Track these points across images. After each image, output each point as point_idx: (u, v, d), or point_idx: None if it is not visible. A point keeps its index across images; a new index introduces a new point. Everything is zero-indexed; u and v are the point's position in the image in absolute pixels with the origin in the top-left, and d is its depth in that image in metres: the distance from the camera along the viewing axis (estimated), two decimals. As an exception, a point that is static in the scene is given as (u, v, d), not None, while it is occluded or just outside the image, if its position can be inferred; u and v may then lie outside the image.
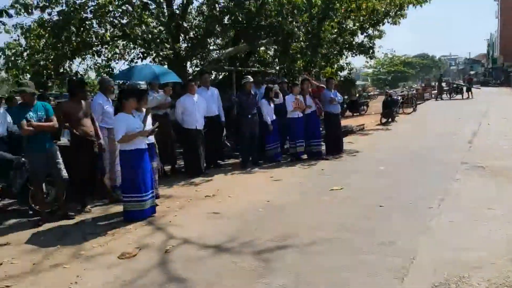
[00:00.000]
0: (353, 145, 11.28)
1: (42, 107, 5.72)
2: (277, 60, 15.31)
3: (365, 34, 14.88)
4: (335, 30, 12.93)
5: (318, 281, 3.71)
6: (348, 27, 13.97)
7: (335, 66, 15.64)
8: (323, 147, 9.97)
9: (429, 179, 7.23)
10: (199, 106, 8.37)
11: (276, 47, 13.65)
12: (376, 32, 15.26)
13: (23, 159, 6.31)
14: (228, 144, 10.39)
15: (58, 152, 5.88)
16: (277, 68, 15.54)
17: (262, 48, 15.21)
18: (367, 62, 21.59)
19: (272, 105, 9.36)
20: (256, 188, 7.26)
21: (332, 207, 5.96)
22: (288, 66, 14.32)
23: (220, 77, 15.96)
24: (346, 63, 17.25)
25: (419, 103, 23.87)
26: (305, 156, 9.71)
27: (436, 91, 31.20)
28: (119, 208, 6.35)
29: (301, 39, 11.06)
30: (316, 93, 10.01)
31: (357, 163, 9.07)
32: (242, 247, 4.62)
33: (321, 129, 10.28)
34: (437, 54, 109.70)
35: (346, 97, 21.09)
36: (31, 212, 6.26)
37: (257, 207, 6.09)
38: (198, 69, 14.13)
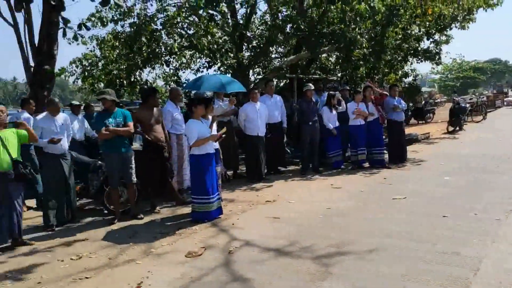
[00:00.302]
0: (417, 154, 11.01)
1: (121, 114, 6.21)
2: (339, 67, 15.28)
3: (431, 39, 14.48)
4: (399, 36, 12.70)
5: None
6: (413, 32, 13.66)
7: (399, 72, 15.33)
8: (386, 156, 9.84)
9: (496, 191, 6.95)
10: (261, 114, 8.61)
11: (338, 54, 13.66)
12: (443, 37, 14.82)
13: (99, 162, 6.85)
14: (289, 151, 10.53)
15: (132, 157, 6.33)
16: (339, 75, 15.50)
17: (324, 55, 15.25)
18: (434, 68, 20.97)
19: (334, 112, 9.40)
20: (316, 195, 7.34)
21: (393, 215, 5.91)
22: (350, 73, 14.27)
23: (281, 84, 16.19)
24: (411, 69, 16.89)
25: (490, 111, 22.71)
26: (366, 165, 9.63)
27: (509, 98, 29.45)
28: (185, 210, 6.72)
29: (364, 45, 11.00)
30: (379, 100, 9.91)
31: (421, 172, 8.86)
32: (302, 251, 4.74)
33: (384, 137, 10.15)
34: (510, 59, 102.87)
35: (410, 104, 20.54)
36: (105, 212, 6.77)
37: (317, 213, 6.18)
38: (260, 77, 14.45)
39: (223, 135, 6.33)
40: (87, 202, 7.51)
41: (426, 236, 4.98)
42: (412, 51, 14.39)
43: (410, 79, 17.29)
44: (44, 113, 6.26)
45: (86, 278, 4.38)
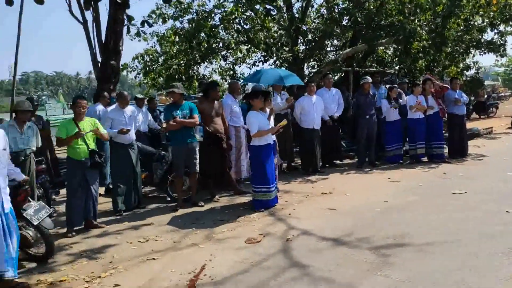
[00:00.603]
0: (479, 149, 10.61)
1: (188, 106, 6.55)
2: (396, 59, 14.94)
3: (495, 30, 13.80)
4: (461, 28, 12.21)
5: (436, 280, 3.75)
6: (476, 23, 13.08)
7: (461, 65, 14.75)
8: (446, 150, 9.58)
9: None
10: (317, 107, 8.65)
11: (396, 46, 13.36)
12: (508, 28, 14.08)
13: (162, 152, 7.22)
14: (344, 144, 10.50)
15: (197, 148, 6.64)
16: (397, 68, 15.16)
17: (381, 48, 14.97)
18: (497, 60, 19.99)
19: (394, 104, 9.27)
20: (373, 188, 7.31)
21: (453, 210, 5.80)
22: (409, 66, 13.92)
23: (336, 77, 16.08)
24: (473, 62, 16.19)
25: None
26: (425, 159, 9.43)
27: None
28: (243, 199, 6.95)
29: (423, 37, 10.70)
30: (439, 93, 9.64)
31: (482, 167, 8.56)
32: (359, 242, 4.80)
33: (444, 131, 9.87)
34: None
35: (472, 98, 19.70)
36: (168, 199, 7.14)
37: (374, 206, 6.19)
38: (315, 70, 14.43)
39: (282, 128, 6.48)
40: (151, 190, 7.93)
41: (486, 231, 4.87)
42: (474, 43, 13.80)
43: (472, 72, 16.58)
44: (114, 105, 6.71)
45: (154, 259, 4.70)
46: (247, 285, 3.90)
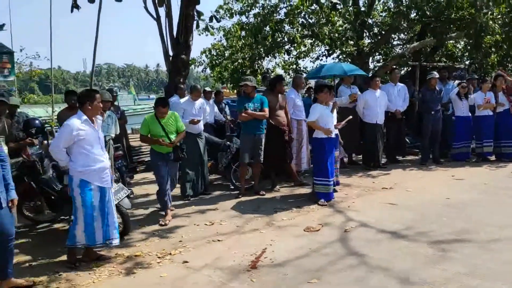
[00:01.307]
0: (555, 149, 10.03)
1: (259, 99, 6.85)
2: (467, 54, 14.34)
3: None
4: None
5: (495, 275, 3.77)
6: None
7: (539, 60, 13.86)
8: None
9: None
10: (381, 102, 8.63)
11: (467, 40, 12.85)
12: None
13: (228, 142, 7.60)
14: (408, 140, 10.35)
15: (263, 139, 6.93)
16: (467, 62, 14.55)
17: (451, 41, 14.43)
18: None
19: (464, 101, 9.04)
20: (435, 185, 7.24)
21: (519, 209, 5.67)
22: (480, 61, 13.32)
23: (402, 72, 15.71)
24: (554, 56, 15.11)
25: None
26: (493, 158, 9.11)
27: None
28: (302, 190, 7.17)
29: (496, 31, 10.25)
30: (511, 90, 9.23)
31: (556, 168, 8.16)
32: (418, 235, 4.86)
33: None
34: None
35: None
36: (232, 187, 7.51)
37: (436, 202, 6.16)
38: (380, 64, 14.23)
39: (345, 124, 6.59)
40: (216, 178, 8.36)
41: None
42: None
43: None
44: (187, 97, 7.18)
45: (219, 240, 5.06)
46: (306, 269, 4.13)
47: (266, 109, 6.83)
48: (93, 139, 4.44)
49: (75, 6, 8.19)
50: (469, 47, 12.97)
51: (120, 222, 5.18)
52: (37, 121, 6.29)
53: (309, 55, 14.97)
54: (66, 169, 4.60)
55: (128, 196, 5.39)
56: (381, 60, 14.87)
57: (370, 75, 11.00)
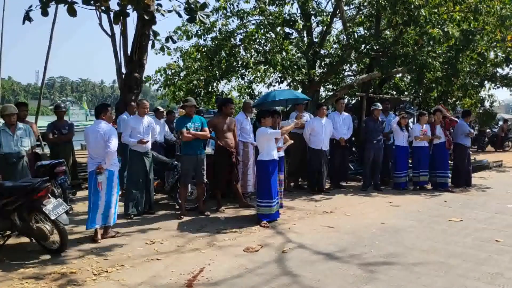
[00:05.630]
0: (485, 180, 10.79)
1: (199, 119, 7.01)
2: (411, 88, 15.21)
3: (510, 66, 13.95)
4: (473, 62, 12.41)
5: (416, 296, 4.03)
6: (490, 58, 13.26)
7: (475, 97, 14.92)
8: (449, 179, 9.79)
9: None
10: (326, 129, 9.01)
11: (411, 75, 13.65)
12: (524, 64, 14.18)
13: (175, 162, 7.65)
14: (352, 167, 10.78)
15: (204, 159, 7.05)
16: (412, 96, 15.40)
17: (398, 75, 15.25)
18: (512, 94, 19.98)
19: (405, 132, 9.56)
20: (373, 211, 7.58)
21: (445, 235, 6.05)
22: (423, 95, 14.16)
23: (353, 102, 16.38)
24: (488, 95, 16.33)
25: None
26: (429, 187, 9.66)
27: None
28: (247, 212, 7.32)
29: (436, 68, 10.99)
30: (448, 125, 9.88)
31: (483, 198, 8.75)
32: (350, 257, 5.10)
33: (450, 161, 10.10)
34: None
35: (488, 131, 19.75)
36: (177, 206, 7.51)
37: (371, 227, 6.47)
38: (331, 93, 14.80)
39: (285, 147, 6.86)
40: (162, 198, 8.34)
41: (473, 256, 5.12)
42: (489, 77, 13.97)
43: (487, 104, 16.72)
44: (135, 115, 7.21)
45: (158, 259, 5.08)
46: (240, 287, 4.23)
47: (207, 129, 7.02)
48: None
49: (27, 18, 8.10)
50: (412, 82, 13.79)
51: (57, 239, 5.12)
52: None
53: (264, 81, 15.39)
54: None
55: (67, 212, 5.33)
56: (331, 90, 15.47)
57: (320, 102, 11.44)
